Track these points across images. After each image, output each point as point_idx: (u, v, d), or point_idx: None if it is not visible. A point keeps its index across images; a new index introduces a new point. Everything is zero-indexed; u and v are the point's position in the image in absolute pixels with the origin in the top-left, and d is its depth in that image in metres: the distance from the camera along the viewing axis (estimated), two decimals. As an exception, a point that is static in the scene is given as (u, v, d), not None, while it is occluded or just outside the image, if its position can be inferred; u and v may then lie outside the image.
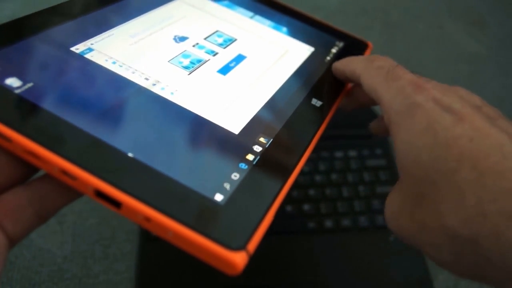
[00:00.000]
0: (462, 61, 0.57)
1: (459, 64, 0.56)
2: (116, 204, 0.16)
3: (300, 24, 0.32)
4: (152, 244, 0.34)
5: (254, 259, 0.36)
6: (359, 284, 0.34)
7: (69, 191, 0.17)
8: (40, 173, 0.17)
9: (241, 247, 0.15)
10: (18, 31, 0.21)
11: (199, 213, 0.16)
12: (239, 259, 0.15)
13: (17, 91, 0.18)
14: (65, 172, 0.16)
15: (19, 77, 0.19)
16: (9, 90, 0.18)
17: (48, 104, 0.18)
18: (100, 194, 0.16)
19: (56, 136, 0.17)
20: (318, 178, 0.39)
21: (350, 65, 0.24)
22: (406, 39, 0.59)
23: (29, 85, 0.19)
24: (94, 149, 0.17)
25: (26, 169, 0.17)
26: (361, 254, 0.35)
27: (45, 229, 0.35)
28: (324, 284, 0.33)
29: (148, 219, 0.15)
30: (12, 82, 0.18)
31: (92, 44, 0.23)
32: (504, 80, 0.54)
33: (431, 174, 0.17)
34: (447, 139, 0.17)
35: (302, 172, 0.39)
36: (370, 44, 0.31)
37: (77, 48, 0.22)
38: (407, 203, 0.18)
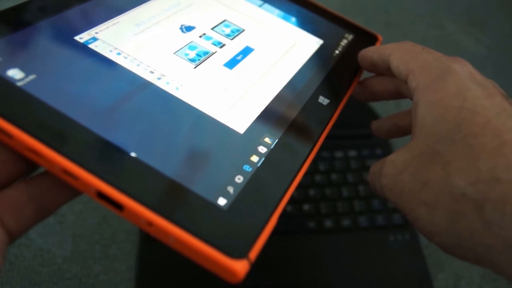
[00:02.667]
0: (462, 61, 0.57)
1: (459, 64, 0.56)
2: (118, 206, 0.15)
3: (310, 14, 0.30)
4: (152, 244, 0.34)
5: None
6: (359, 284, 0.34)
7: (70, 189, 0.17)
8: (42, 168, 0.17)
9: (243, 255, 0.15)
10: (20, 18, 0.20)
11: (202, 218, 0.16)
12: (240, 267, 0.14)
13: (19, 84, 0.17)
14: (66, 172, 0.15)
15: (21, 68, 0.18)
16: (11, 82, 0.17)
17: (51, 98, 0.17)
18: (102, 196, 0.15)
19: (59, 133, 0.16)
20: (318, 178, 0.39)
21: (380, 49, 0.24)
22: (406, 39, 0.59)
23: (32, 77, 0.18)
24: (97, 148, 0.16)
25: (27, 165, 0.17)
26: (361, 254, 0.35)
27: (45, 229, 0.35)
28: (324, 284, 0.33)
29: (150, 223, 0.15)
30: (14, 73, 0.17)
31: (96, 33, 0.22)
32: (504, 80, 0.54)
33: (453, 134, 0.17)
34: (476, 106, 0.17)
35: (302, 172, 0.39)
36: (379, 37, 0.30)
37: (81, 37, 0.21)
38: (415, 161, 0.18)
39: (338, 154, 0.41)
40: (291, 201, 0.37)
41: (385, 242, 0.36)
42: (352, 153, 0.41)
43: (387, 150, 0.42)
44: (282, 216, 0.37)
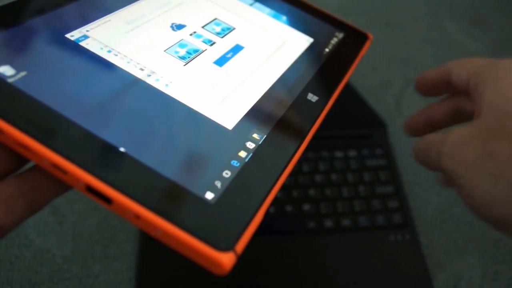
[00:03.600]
0: (462, 61, 0.57)
1: (459, 64, 0.56)
2: (107, 200, 0.16)
3: (301, 13, 0.31)
4: (152, 244, 0.34)
5: (254, 259, 0.36)
6: (359, 284, 0.34)
7: (61, 183, 0.17)
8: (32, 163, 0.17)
9: (229, 248, 0.15)
10: (11, 16, 0.20)
11: (189, 212, 0.16)
12: (226, 259, 0.15)
13: (10, 80, 0.17)
14: (56, 166, 0.16)
15: (12, 65, 0.18)
16: (1, 79, 0.17)
17: (41, 95, 0.17)
18: (91, 190, 0.16)
19: (49, 128, 0.16)
20: (318, 178, 0.39)
21: (438, 67, 0.26)
22: (406, 39, 0.59)
23: (23, 73, 0.18)
24: (86, 143, 0.17)
25: (19, 160, 0.17)
26: (361, 254, 0.35)
27: (45, 229, 0.35)
28: (324, 284, 0.33)
29: (138, 216, 0.15)
30: (5, 70, 0.18)
31: (87, 31, 0.22)
32: (504, 80, 0.54)
33: None
34: None
35: (302, 172, 0.39)
36: (370, 35, 0.30)
37: (72, 35, 0.21)
38: (483, 134, 0.19)
39: (338, 154, 0.41)
40: (291, 201, 0.37)
41: (385, 242, 0.36)
42: (352, 153, 0.41)
43: (387, 150, 0.42)
44: (282, 216, 0.37)
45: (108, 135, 0.17)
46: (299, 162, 0.40)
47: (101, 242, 0.35)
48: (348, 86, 0.47)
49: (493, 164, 0.18)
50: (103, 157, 0.16)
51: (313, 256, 0.35)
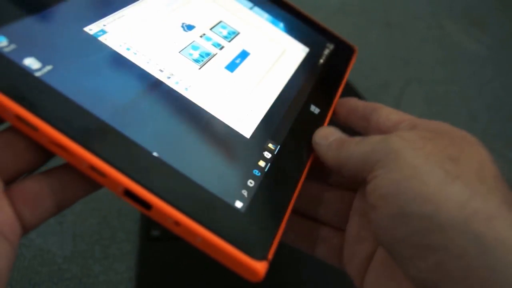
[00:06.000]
0: (462, 61, 0.57)
1: (459, 64, 0.56)
2: (146, 205, 0.15)
3: (296, 21, 0.31)
4: (152, 244, 0.34)
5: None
6: (359, 284, 0.34)
7: (91, 183, 0.17)
8: (57, 159, 0.17)
9: (264, 257, 0.16)
10: (30, 3, 0.19)
11: (225, 220, 0.16)
12: (262, 268, 0.15)
13: (37, 74, 0.16)
14: (94, 168, 0.15)
15: (37, 57, 0.17)
16: (29, 72, 0.16)
17: (71, 92, 0.16)
18: (129, 194, 0.15)
19: (84, 129, 0.16)
20: (318, 178, 0.39)
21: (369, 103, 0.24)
22: (406, 39, 0.59)
23: (49, 67, 0.17)
24: (121, 145, 0.16)
25: (44, 155, 0.17)
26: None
27: (45, 229, 0.35)
28: (323, 284, 0.33)
29: (178, 223, 0.15)
30: (31, 63, 0.16)
31: (104, 25, 0.21)
32: (504, 80, 0.54)
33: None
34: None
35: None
36: (356, 48, 0.31)
37: (91, 29, 0.20)
38: (445, 141, 0.19)
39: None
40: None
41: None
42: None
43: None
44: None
45: (140, 139, 0.17)
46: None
47: (101, 242, 0.35)
48: (348, 86, 0.47)
49: (453, 166, 0.17)
50: (139, 161, 0.16)
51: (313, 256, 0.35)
